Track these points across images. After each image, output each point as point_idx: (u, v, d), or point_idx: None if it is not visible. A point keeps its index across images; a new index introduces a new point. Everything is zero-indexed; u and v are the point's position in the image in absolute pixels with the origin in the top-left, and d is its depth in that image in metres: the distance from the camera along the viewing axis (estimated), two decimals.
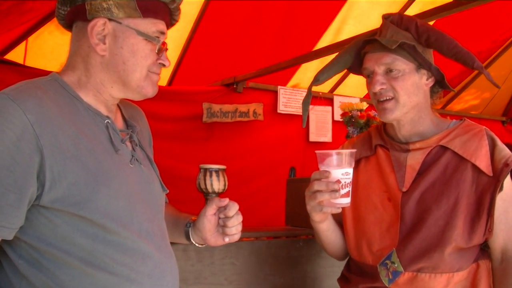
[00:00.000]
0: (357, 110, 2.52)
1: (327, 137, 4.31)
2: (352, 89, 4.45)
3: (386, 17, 1.42)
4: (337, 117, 4.07)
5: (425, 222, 1.30)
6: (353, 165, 1.25)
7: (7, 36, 2.95)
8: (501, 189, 1.27)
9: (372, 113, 2.51)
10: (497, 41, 4.25)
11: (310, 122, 4.27)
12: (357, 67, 1.47)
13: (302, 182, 2.23)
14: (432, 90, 1.42)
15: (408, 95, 1.34)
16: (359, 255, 1.42)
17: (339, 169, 1.22)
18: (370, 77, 1.39)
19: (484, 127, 1.38)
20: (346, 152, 1.23)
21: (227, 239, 1.24)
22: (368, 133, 1.55)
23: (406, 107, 1.35)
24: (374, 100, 1.39)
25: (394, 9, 3.67)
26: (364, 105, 2.60)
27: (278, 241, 1.89)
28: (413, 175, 1.36)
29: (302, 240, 1.92)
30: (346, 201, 1.24)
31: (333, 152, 1.22)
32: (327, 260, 1.92)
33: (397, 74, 1.34)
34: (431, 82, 1.39)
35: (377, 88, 1.35)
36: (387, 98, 1.35)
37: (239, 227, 1.24)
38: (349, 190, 1.24)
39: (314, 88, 1.52)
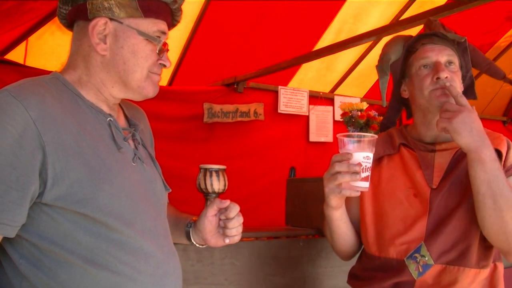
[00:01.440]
0: (357, 110, 2.52)
1: (328, 137, 4.31)
2: (353, 89, 4.45)
3: (433, 20, 1.50)
4: (338, 117, 4.07)
5: (454, 215, 1.34)
6: (373, 151, 1.27)
7: (7, 36, 2.95)
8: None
9: (372, 113, 2.51)
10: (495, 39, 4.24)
11: (310, 122, 4.27)
12: (399, 61, 1.51)
13: (302, 182, 2.23)
14: None
15: (459, 89, 1.42)
16: (380, 250, 1.44)
17: (361, 152, 1.24)
18: (427, 67, 1.43)
19: (501, 134, 1.44)
20: (367, 136, 1.25)
21: (227, 240, 1.24)
22: (388, 133, 1.59)
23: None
24: (430, 88, 1.41)
25: (395, 7, 3.67)
26: (364, 105, 2.60)
27: (278, 241, 1.89)
28: (441, 173, 1.40)
29: (302, 240, 1.92)
30: (365, 185, 1.25)
31: (355, 135, 1.25)
32: (328, 260, 1.92)
33: (455, 68, 1.42)
34: (462, 87, 1.47)
35: (445, 74, 1.39)
36: (447, 86, 1.39)
37: (240, 229, 1.24)
38: (368, 175, 1.25)
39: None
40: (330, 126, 4.33)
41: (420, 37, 1.47)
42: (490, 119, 5.26)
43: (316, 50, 3.36)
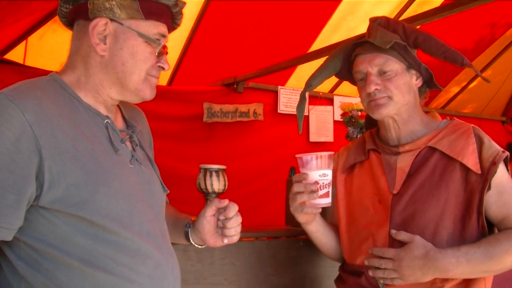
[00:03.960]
0: (357, 110, 2.52)
1: (329, 137, 4.30)
2: (352, 88, 4.43)
3: (373, 20, 1.44)
4: (337, 117, 4.07)
5: (416, 224, 1.31)
6: (331, 167, 1.30)
7: (7, 35, 2.95)
8: (489, 188, 1.28)
9: None
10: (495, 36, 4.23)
11: (310, 122, 4.26)
12: (345, 71, 1.49)
13: None
14: (420, 90, 1.45)
15: (402, 94, 1.37)
16: (351, 258, 1.44)
17: (317, 171, 1.27)
18: (363, 80, 1.41)
19: (472, 125, 1.38)
20: (323, 154, 1.28)
21: (226, 241, 1.23)
22: (362, 138, 1.57)
23: (399, 104, 1.38)
24: (366, 100, 1.40)
25: (394, 7, 3.67)
26: None
27: (278, 241, 1.89)
28: (403, 177, 1.37)
29: (302, 240, 1.91)
30: (326, 201, 1.29)
31: (310, 155, 1.28)
32: (327, 260, 1.91)
33: (391, 74, 1.36)
34: (419, 82, 1.42)
35: (372, 88, 1.36)
36: (382, 97, 1.37)
37: (238, 229, 1.24)
38: (328, 191, 1.29)
39: (315, 88, 1.54)
40: (331, 126, 4.32)
41: (355, 46, 1.43)
42: (489, 119, 5.27)
43: (315, 50, 3.35)
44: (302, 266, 1.90)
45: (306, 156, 1.28)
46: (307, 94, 1.57)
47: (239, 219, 1.23)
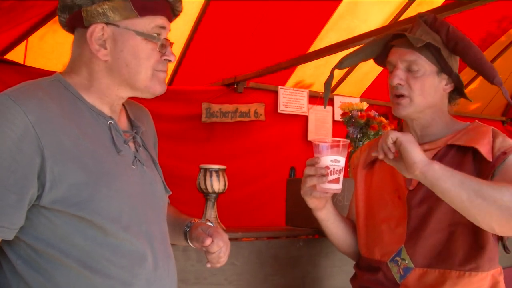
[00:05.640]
0: (357, 110, 2.52)
1: (328, 137, 4.30)
2: (351, 88, 4.44)
3: (420, 16, 1.44)
4: (337, 117, 4.07)
5: (431, 218, 1.33)
6: (345, 154, 1.31)
7: (7, 36, 2.95)
8: (492, 176, 1.27)
9: (372, 113, 2.51)
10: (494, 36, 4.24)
11: (309, 122, 4.27)
12: (382, 58, 1.49)
13: None
14: (451, 96, 1.44)
15: (424, 96, 1.37)
16: (368, 251, 1.46)
17: (329, 156, 1.29)
18: (392, 72, 1.41)
19: (492, 127, 1.39)
20: (337, 141, 1.30)
21: (208, 265, 1.22)
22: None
23: (420, 107, 1.38)
24: (391, 94, 1.42)
25: (394, 7, 3.67)
26: (364, 105, 2.59)
27: (278, 241, 1.89)
28: None
29: (302, 240, 1.91)
30: (336, 187, 1.31)
31: (325, 141, 1.31)
32: (328, 260, 1.92)
33: (418, 73, 1.36)
34: (449, 88, 1.41)
35: (395, 82, 1.37)
36: (402, 94, 1.37)
37: (222, 260, 1.21)
38: (338, 177, 1.30)
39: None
40: (329, 126, 4.32)
41: (394, 37, 1.44)
42: (489, 119, 5.27)
43: (316, 50, 3.35)
44: (302, 266, 1.90)
45: (321, 142, 1.31)
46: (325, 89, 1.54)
47: (221, 254, 1.19)
